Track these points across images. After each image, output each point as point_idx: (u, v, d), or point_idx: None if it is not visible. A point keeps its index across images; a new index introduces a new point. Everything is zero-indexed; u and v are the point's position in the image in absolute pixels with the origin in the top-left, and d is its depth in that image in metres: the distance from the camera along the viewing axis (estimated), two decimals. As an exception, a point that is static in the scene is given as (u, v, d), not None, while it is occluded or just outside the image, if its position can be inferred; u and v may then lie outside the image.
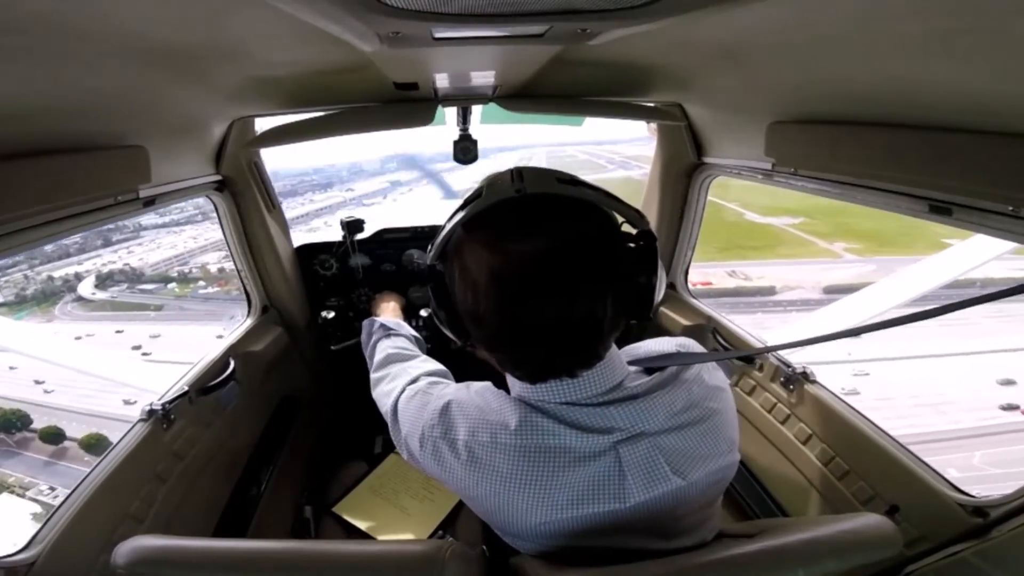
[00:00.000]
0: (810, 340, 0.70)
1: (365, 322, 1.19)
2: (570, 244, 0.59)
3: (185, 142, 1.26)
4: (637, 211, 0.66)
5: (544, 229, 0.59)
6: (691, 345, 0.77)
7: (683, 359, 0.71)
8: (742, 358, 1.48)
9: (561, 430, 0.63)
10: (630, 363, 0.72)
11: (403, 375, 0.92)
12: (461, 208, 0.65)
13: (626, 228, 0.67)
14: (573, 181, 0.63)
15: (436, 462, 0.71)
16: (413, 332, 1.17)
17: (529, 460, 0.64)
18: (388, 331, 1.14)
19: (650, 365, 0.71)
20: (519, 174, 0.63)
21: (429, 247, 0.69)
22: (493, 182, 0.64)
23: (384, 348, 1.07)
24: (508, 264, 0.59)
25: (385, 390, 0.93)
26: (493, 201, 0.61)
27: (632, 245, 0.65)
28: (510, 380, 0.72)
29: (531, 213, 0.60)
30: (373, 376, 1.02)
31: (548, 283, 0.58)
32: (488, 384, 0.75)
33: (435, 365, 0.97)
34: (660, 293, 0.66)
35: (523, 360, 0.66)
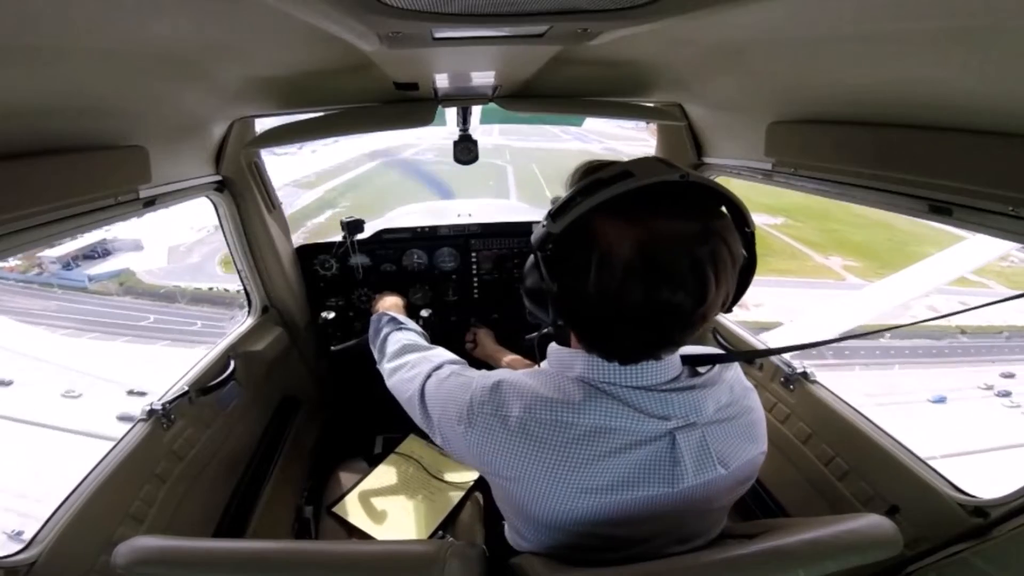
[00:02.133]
0: (828, 341, 0.71)
1: (373, 317, 1.20)
2: (719, 234, 0.60)
3: (185, 142, 1.26)
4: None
5: (701, 215, 0.60)
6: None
7: (722, 358, 0.75)
8: (745, 359, 1.48)
9: (623, 411, 0.65)
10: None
11: (424, 363, 0.92)
12: (596, 187, 0.62)
13: None
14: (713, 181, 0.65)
15: (485, 437, 0.70)
16: (419, 328, 1.17)
17: (586, 438, 0.64)
18: (399, 324, 1.14)
19: (694, 356, 0.74)
20: (668, 162, 0.63)
21: (547, 217, 0.67)
22: (640, 165, 0.63)
23: (398, 339, 1.07)
24: (661, 242, 0.58)
25: (406, 377, 0.92)
26: (652, 181, 0.60)
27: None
28: (570, 360, 0.71)
29: (691, 198, 0.62)
30: (388, 366, 1.01)
31: (693, 266, 0.58)
32: (540, 367, 0.76)
33: (454, 355, 0.96)
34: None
35: (627, 339, 0.64)
